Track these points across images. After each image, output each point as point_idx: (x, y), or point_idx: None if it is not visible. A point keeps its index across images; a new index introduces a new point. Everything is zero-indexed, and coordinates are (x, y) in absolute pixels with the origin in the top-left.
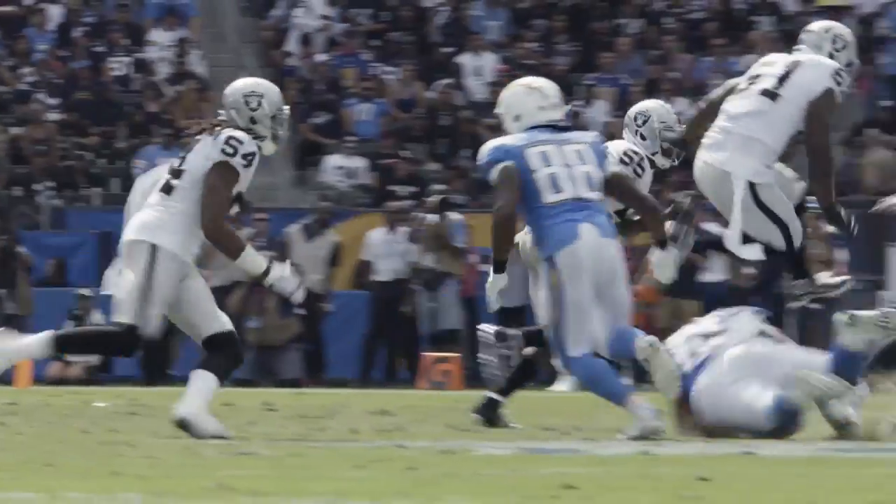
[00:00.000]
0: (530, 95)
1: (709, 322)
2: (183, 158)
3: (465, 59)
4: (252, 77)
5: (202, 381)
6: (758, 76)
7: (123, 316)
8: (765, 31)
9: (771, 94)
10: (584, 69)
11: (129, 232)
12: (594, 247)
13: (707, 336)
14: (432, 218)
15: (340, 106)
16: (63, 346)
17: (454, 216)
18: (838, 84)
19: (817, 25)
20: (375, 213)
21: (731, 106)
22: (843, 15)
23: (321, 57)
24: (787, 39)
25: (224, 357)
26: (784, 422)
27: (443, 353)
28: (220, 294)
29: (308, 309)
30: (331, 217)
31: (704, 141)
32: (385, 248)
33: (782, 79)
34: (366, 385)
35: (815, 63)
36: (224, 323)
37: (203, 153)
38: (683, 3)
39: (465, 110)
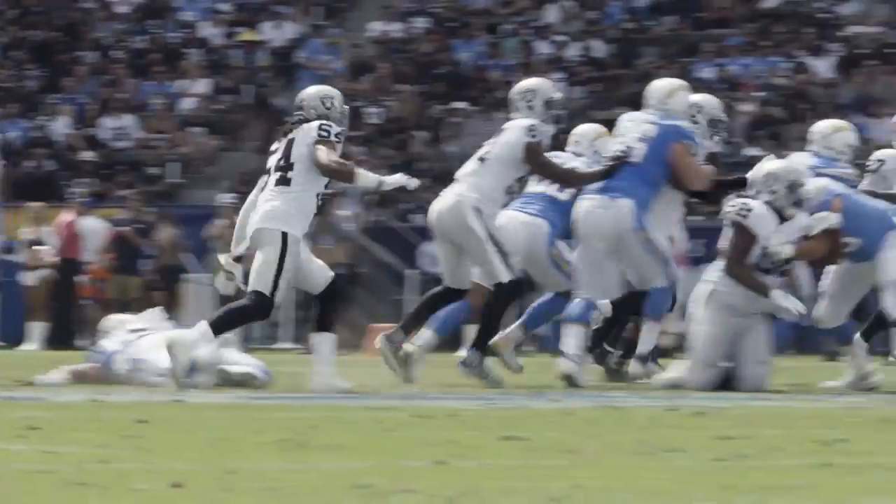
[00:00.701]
0: None
1: (139, 321)
2: (286, 155)
3: None
4: (322, 85)
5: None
6: (483, 146)
7: (260, 288)
8: (195, 60)
9: (481, 159)
10: (50, 91)
11: (261, 221)
12: None
13: (136, 330)
14: None
15: None
16: (217, 328)
17: None
18: (534, 136)
19: (514, 90)
20: None
21: (461, 170)
22: (258, 48)
23: None
24: (213, 68)
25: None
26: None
27: None
28: None
29: None
30: None
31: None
32: None
33: (491, 144)
34: None
35: (511, 127)
36: (328, 276)
37: (303, 143)
38: (128, 39)
39: None
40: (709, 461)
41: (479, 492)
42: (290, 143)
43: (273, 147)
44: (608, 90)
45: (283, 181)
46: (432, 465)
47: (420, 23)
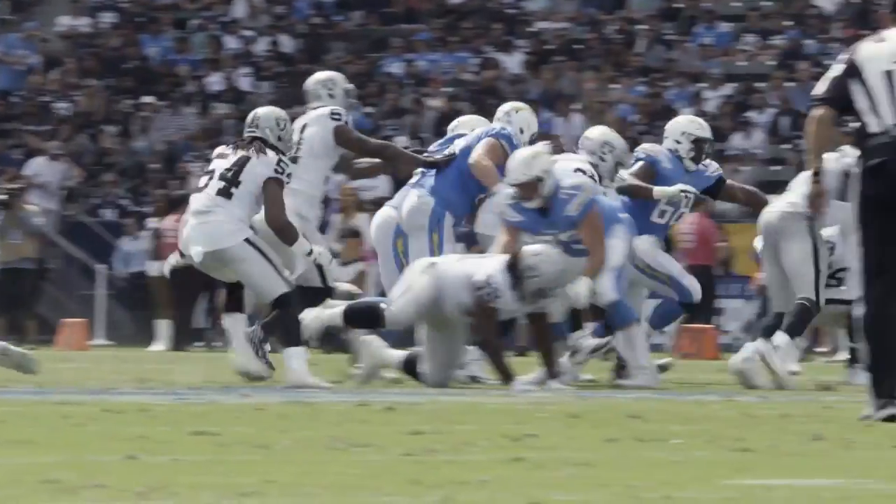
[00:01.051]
0: None
1: None
2: (237, 170)
3: None
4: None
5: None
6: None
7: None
8: None
9: (293, 160)
10: None
11: (218, 241)
12: None
13: None
14: None
15: None
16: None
17: None
18: (338, 118)
19: (310, 81)
20: None
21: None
22: None
23: None
24: None
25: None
26: None
27: None
28: None
29: None
30: None
31: None
32: None
33: (300, 141)
34: None
35: (317, 117)
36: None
37: (257, 171)
38: None
39: None
40: (399, 456)
41: (170, 486)
42: (245, 160)
43: (222, 151)
44: (295, 85)
45: (226, 194)
46: (123, 460)
47: (108, 17)
